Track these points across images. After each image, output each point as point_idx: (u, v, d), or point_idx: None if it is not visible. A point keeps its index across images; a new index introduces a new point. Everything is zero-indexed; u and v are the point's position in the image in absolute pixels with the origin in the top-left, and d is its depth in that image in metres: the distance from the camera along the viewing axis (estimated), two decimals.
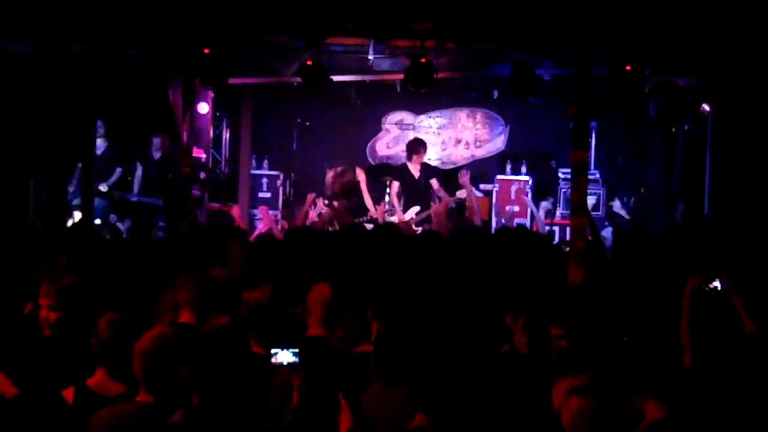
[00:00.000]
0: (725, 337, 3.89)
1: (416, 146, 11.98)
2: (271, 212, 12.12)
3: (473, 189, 11.18)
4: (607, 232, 12.13)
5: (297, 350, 3.58)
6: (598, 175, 13.30)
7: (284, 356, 3.58)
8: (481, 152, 15.12)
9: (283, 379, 3.65)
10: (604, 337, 3.66)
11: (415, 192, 11.69)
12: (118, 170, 11.75)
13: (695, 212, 11.49)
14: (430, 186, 11.74)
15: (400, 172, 11.96)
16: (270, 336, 3.96)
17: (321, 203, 11.48)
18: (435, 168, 12.29)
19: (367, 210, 11.63)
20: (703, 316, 4.04)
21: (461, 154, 15.14)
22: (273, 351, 3.60)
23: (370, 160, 15.02)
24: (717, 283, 4.05)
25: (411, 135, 14.87)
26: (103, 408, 3.43)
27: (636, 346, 4.00)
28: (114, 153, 11.77)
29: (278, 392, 3.47)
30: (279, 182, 13.90)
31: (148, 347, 3.50)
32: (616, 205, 13.02)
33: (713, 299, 4.05)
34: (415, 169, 11.84)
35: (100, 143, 11.37)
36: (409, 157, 11.94)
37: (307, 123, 14.21)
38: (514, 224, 12.23)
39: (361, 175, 11.81)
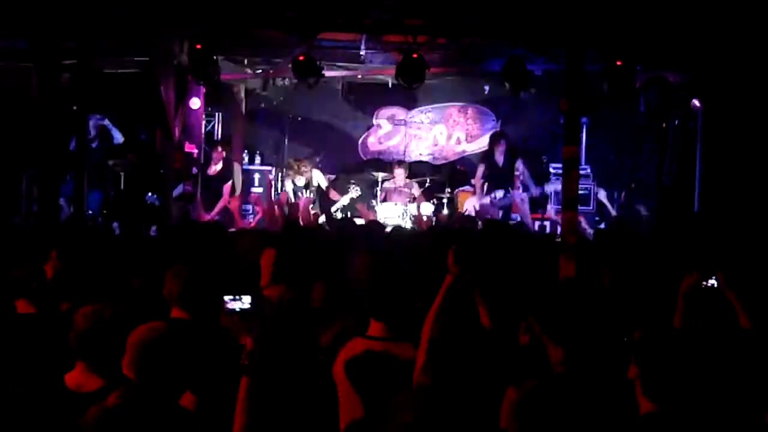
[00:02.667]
0: (721, 334, 3.92)
1: (498, 138, 12.66)
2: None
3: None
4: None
5: (249, 298, 3.89)
6: (588, 170, 13.35)
7: (237, 304, 3.92)
8: (472, 147, 15.14)
9: (237, 324, 3.95)
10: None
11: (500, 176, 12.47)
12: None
13: (685, 207, 11.56)
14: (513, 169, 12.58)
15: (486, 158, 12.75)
16: None
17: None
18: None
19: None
20: (699, 314, 4.07)
21: (453, 150, 15.17)
22: (226, 298, 3.94)
23: (361, 155, 15.04)
24: (713, 281, 4.08)
25: (402, 130, 14.92)
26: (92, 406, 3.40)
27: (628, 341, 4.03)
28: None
29: (164, 335, 3.54)
30: (271, 177, 13.90)
31: (140, 340, 3.49)
32: (602, 194, 13.06)
33: (709, 297, 4.08)
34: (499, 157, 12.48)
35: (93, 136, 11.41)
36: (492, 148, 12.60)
37: (299, 118, 14.21)
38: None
39: (319, 178, 12.42)
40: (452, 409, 3.08)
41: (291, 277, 4.89)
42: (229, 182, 12.46)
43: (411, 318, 4.13)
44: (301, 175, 12.27)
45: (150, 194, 11.52)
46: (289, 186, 12.47)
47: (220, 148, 12.61)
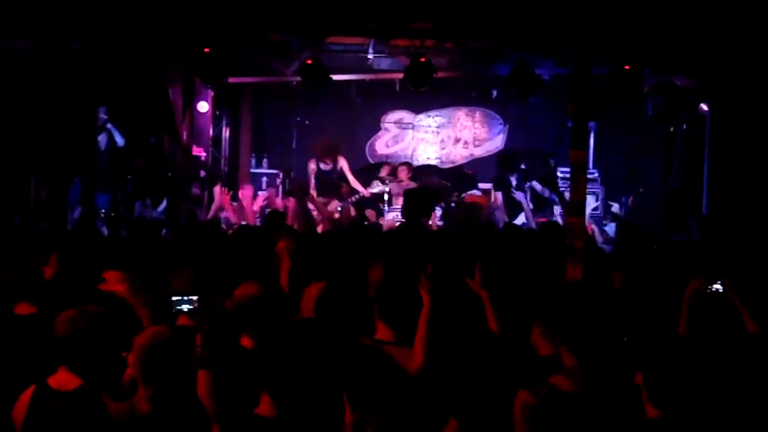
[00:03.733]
0: (726, 340, 3.90)
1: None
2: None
3: None
4: (610, 228, 12.29)
5: (195, 298, 4.20)
6: (596, 175, 13.33)
7: (185, 304, 4.22)
8: (479, 151, 15.15)
9: (185, 323, 4.22)
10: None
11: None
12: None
13: (693, 211, 11.53)
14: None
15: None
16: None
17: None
18: None
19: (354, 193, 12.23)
20: (704, 319, 4.05)
21: (460, 153, 15.18)
22: (175, 299, 4.23)
23: (369, 158, 15.05)
24: (718, 286, 4.05)
25: (410, 134, 14.93)
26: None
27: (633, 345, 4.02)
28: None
29: (170, 338, 3.74)
30: (278, 181, 13.91)
31: (146, 343, 3.55)
32: (615, 207, 13.08)
33: (714, 302, 4.06)
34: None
35: (102, 138, 11.44)
36: None
37: (307, 122, 14.21)
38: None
39: (343, 161, 12.17)
40: None
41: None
42: (218, 184, 12.44)
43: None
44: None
45: (141, 204, 11.47)
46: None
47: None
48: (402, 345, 3.93)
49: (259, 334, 4.04)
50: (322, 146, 12.05)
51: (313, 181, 12.22)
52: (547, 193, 12.67)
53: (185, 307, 4.26)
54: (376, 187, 12.36)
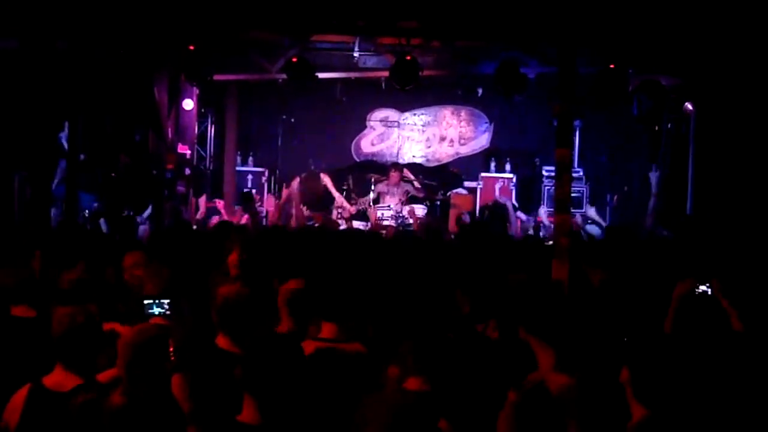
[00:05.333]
0: (712, 338, 3.91)
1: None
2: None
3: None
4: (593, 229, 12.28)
5: (168, 301, 4.28)
6: (581, 173, 13.37)
7: (157, 308, 4.28)
8: (465, 150, 15.16)
9: (158, 325, 4.12)
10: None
11: None
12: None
13: (678, 210, 11.57)
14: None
15: None
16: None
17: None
18: None
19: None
20: (691, 320, 4.07)
21: (446, 152, 15.18)
22: (146, 302, 4.29)
23: (354, 156, 15.04)
24: (705, 288, 4.07)
25: (396, 132, 14.92)
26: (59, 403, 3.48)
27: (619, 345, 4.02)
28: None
29: (155, 336, 3.73)
30: (264, 179, 13.87)
31: (131, 341, 3.53)
32: (591, 211, 13.05)
33: (701, 302, 4.08)
34: None
35: None
36: None
37: (292, 120, 14.18)
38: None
39: (326, 179, 12.05)
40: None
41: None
42: (203, 196, 12.33)
43: (362, 319, 4.20)
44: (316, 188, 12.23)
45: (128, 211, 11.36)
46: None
47: None
48: (347, 341, 4.02)
49: (238, 336, 4.06)
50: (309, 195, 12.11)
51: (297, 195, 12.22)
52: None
53: (156, 311, 4.30)
54: (361, 204, 12.36)
